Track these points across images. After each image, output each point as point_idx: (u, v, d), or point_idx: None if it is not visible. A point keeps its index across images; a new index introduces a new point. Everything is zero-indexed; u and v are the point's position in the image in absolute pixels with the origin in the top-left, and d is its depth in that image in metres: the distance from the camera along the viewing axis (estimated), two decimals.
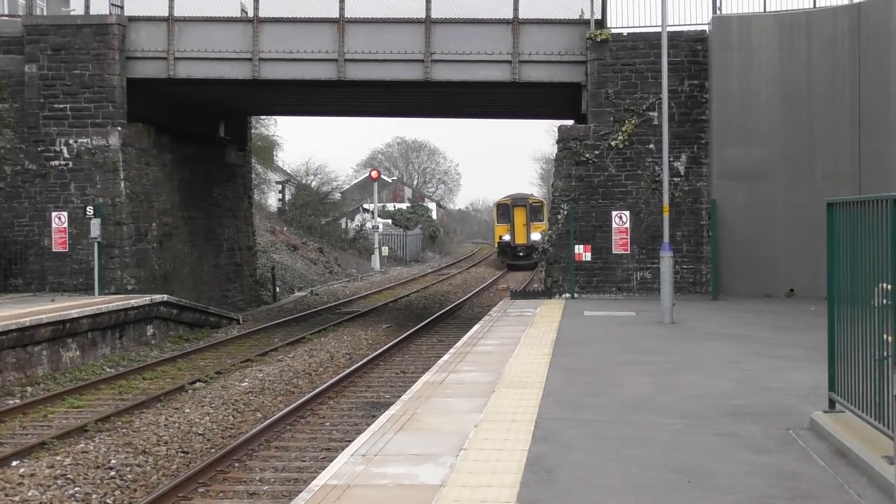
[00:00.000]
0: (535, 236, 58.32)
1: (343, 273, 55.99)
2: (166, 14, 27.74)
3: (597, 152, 26.79)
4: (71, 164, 27.32)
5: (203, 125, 33.62)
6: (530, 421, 10.50)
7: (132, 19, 27.89)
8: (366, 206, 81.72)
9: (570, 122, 29.60)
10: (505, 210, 63.24)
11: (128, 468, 12.72)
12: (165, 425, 15.24)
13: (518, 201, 62.65)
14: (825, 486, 7.91)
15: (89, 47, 27.35)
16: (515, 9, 27.25)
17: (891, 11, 23.40)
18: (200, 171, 32.73)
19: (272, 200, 67.92)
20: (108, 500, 11.46)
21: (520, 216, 61.28)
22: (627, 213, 26.51)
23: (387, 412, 11.28)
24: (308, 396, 17.31)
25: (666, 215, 21.58)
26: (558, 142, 27.79)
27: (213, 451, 13.86)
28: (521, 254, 60.45)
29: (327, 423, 15.76)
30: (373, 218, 67.53)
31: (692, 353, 15.88)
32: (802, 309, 22.04)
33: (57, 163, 27.31)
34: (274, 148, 67.05)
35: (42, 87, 27.41)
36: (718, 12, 26.58)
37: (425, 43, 27.40)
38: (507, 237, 61.70)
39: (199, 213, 32.42)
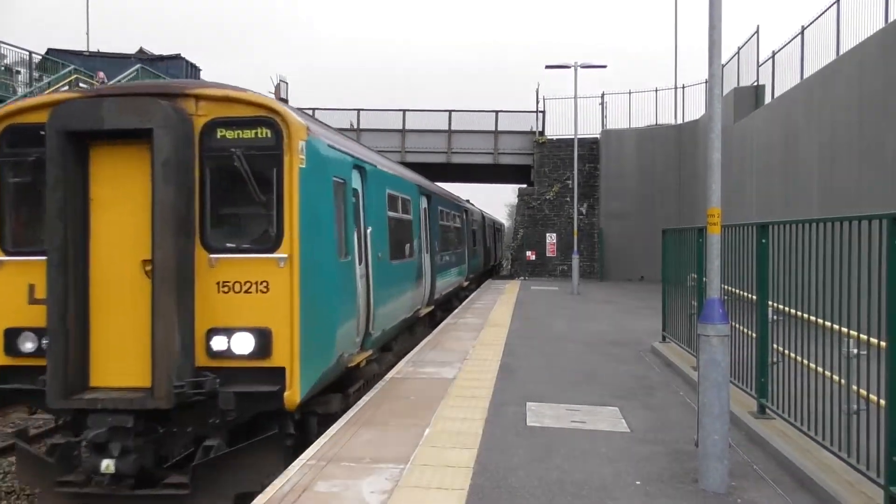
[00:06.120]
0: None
1: None
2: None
3: (538, 202, 26.76)
4: None
5: None
6: (501, 344, 10.45)
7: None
8: None
9: (524, 185, 29.56)
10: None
11: None
12: None
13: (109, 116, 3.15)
14: (660, 383, 7.90)
15: None
16: (496, 125, 27.34)
17: (696, 130, 23.33)
18: None
19: None
20: None
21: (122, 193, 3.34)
22: (555, 234, 26.50)
23: (424, 339, 11.16)
24: None
25: (575, 237, 21.67)
26: (518, 196, 27.79)
27: None
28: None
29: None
30: None
31: (588, 310, 15.77)
32: (649, 287, 21.83)
33: None
34: None
35: None
36: (605, 127, 26.50)
37: (447, 143, 27.45)
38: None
39: None
